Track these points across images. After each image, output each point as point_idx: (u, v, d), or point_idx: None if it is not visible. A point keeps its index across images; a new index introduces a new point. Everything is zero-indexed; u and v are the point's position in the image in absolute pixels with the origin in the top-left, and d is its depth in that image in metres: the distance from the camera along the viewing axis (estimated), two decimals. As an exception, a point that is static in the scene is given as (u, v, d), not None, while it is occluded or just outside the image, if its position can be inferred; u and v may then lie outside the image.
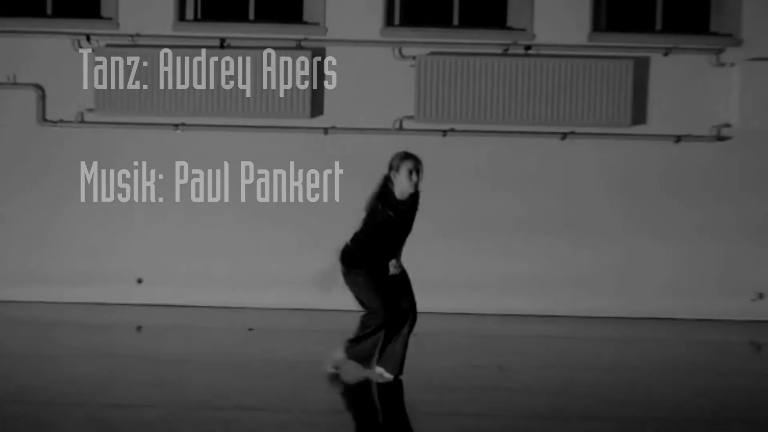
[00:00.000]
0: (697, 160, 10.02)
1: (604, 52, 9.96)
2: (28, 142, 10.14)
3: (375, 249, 6.76)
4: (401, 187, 6.74)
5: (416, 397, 6.46)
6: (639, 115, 10.00)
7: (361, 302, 6.80)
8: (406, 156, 6.78)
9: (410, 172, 6.72)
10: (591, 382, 7.05)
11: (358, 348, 6.81)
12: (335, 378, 6.81)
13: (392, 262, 6.81)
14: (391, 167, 6.78)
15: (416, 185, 6.75)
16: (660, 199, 10.06)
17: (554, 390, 6.73)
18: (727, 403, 6.55)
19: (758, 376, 7.57)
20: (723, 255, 10.02)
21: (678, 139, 10.01)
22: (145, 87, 9.90)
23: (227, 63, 9.92)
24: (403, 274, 6.88)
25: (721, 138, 10.04)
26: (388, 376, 6.76)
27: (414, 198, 6.82)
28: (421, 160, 6.81)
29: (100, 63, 9.91)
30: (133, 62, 9.91)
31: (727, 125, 10.02)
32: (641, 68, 9.98)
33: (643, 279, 10.05)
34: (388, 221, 6.68)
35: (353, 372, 6.82)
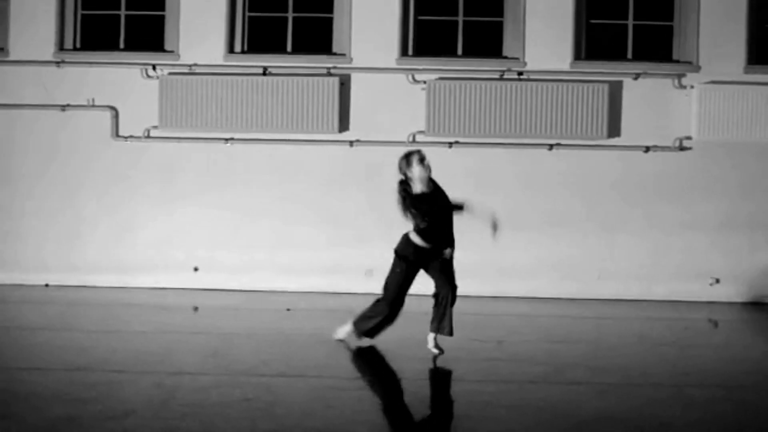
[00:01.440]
0: (663, 167, 9.94)
1: (584, 77, 9.88)
2: (104, 154, 10.13)
3: (424, 234, 6.57)
4: (420, 177, 6.56)
5: (427, 366, 6.40)
6: (614, 129, 9.91)
7: (385, 286, 6.71)
8: (409, 153, 6.67)
9: (421, 161, 6.60)
10: (574, 354, 6.97)
11: (362, 324, 6.74)
12: (354, 348, 6.74)
13: (447, 251, 6.64)
14: (401, 169, 6.65)
15: (429, 170, 6.57)
16: (632, 200, 9.97)
17: (544, 360, 6.66)
18: (687, 371, 6.47)
19: (715, 348, 7.48)
20: (685, 246, 9.91)
21: (647, 149, 9.91)
22: (201, 108, 9.89)
23: (269, 87, 9.89)
24: (449, 263, 6.69)
25: (682, 148, 9.93)
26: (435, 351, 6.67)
27: (435, 185, 6.66)
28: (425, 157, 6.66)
29: (164, 88, 9.90)
30: (191, 87, 9.89)
31: (688, 138, 9.91)
32: (615, 90, 9.89)
33: (618, 267, 9.95)
34: (419, 208, 6.49)
35: (372, 344, 6.76)
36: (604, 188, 9.99)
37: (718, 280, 9.90)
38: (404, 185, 6.62)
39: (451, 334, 6.67)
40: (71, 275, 10.02)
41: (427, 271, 6.73)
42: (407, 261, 6.61)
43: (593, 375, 6.22)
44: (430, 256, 6.66)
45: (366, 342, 6.78)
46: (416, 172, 6.57)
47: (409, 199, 6.52)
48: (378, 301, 6.74)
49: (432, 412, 5.29)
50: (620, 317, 8.96)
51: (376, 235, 9.92)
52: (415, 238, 6.60)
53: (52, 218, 10.15)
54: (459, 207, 6.86)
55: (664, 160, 9.93)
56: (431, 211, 6.55)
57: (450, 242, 6.69)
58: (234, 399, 5.35)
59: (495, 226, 6.82)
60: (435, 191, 6.67)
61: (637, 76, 9.90)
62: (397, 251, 6.68)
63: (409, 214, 6.54)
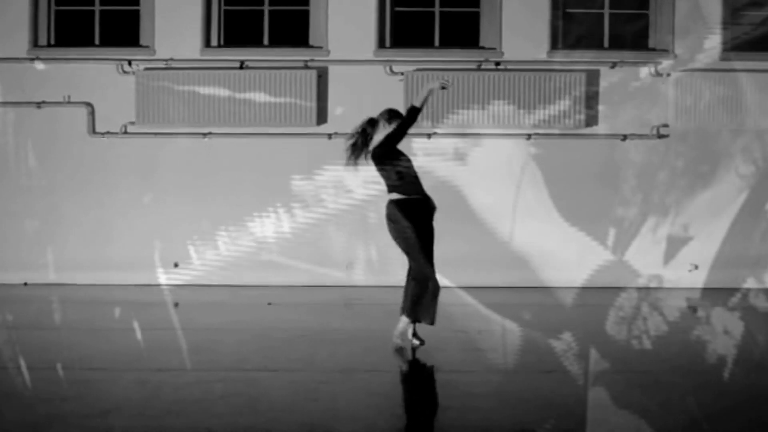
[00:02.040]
0: (641, 155, 10.01)
1: (561, 66, 9.93)
2: (81, 150, 10.10)
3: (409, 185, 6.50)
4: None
5: (409, 357, 6.43)
6: (591, 118, 9.98)
7: (415, 261, 6.45)
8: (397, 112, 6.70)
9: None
10: (554, 341, 7.02)
11: (418, 311, 6.46)
12: (343, 343, 6.77)
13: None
14: (388, 121, 6.62)
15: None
16: (611, 188, 10.04)
17: (525, 349, 6.71)
18: (667, 358, 6.53)
19: (695, 332, 7.55)
20: (666, 233, 10.00)
21: (624, 137, 9.99)
22: (178, 103, 9.87)
23: (247, 81, 9.88)
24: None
25: (660, 136, 10.01)
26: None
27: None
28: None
29: (140, 84, 9.87)
30: (167, 82, 9.87)
31: (665, 125, 9.99)
32: (592, 79, 9.95)
33: (599, 255, 10.03)
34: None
35: (353, 336, 6.79)
36: (581, 177, 10.05)
37: (696, 267, 9.99)
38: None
39: (432, 323, 6.53)
40: (50, 273, 9.99)
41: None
42: (412, 222, 6.40)
43: (576, 363, 6.27)
44: (424, 212, 6.48)
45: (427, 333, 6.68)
46: (384, 131, 6.53)
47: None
48: (414, 280, 6.47)
49: (415, 404, 5.33)
50: (606, 305, 9.03)
51: (357, 228, 9.98)
52: (398, 196, 6.47)
53: (30, 216, 10.10)
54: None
55: (641, 148, 10.00)
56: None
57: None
58: (217, 395, 5.36)
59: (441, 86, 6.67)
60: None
61: (614, 65, 9.97)
62: (392, 219, 6.48)
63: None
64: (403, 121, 6.57)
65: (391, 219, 6.51)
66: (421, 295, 6.44)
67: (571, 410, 5.03)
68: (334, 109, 10.00)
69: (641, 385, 5.64)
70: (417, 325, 6.57)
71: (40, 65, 10.00)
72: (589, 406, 5.13)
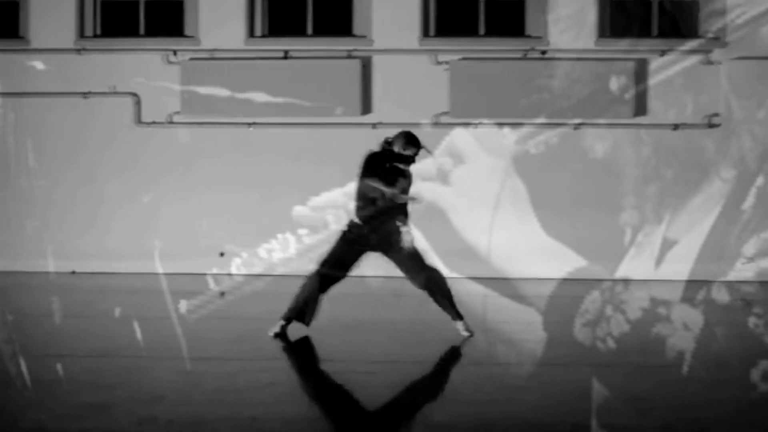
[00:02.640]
0: (692, 144, 9.87)
1: (609, 54, 9.82)
2: (127, 140, 10.22)
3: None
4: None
5: (454, 348, 6.42)
6: (640, 108, 9.86)
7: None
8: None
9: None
10: (603, 335, 6.94)
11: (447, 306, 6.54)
12: (388, 334, 6.76)
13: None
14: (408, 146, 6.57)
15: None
16: (662, 178, 9.91)
17: (571, 341, 6.66)
18: (720, 354, 6.44)
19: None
20: (718, 224, 9.84)
21: (675, 127, 9.86)
22: (222, 92, 9.93)
23: (291, 71, 9.91)
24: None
25: (712, 125, 9.86)
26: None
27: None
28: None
29: (186, 73, 9.95)
30: (212, 72, 9.94)
31: (716, 114, 9.84)
32: (641, 68, 9.83)
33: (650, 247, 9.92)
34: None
35: (402, 327, 6.79)
36: (632, 168, 9.93)
37: (752, 259, 9.83)
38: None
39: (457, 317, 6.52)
40: (97, 262, 10.12)
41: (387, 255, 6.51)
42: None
43: (621, 356, 6.21)
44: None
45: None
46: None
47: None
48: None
49: (458, 397, 5.31)
50: (654, 298, 8.92)
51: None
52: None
53: (77, 206, 10.25)
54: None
55: (693, 137, 9.86)
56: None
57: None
58: (260, 384, 5.40)
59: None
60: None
61: (663, 53, 9.83)
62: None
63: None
64: (382, 188, 6.45)
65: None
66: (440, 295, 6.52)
67: (628, 405, 4.99)
68: (378, 102, 9.97)
69: (691, 381, 5.57)
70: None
71: (86, 55, 10.12)
72: (644, 400, 5.08)
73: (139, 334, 6.80)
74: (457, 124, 9.91)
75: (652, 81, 9.85)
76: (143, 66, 10.13)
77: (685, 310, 8.13)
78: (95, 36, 10.27)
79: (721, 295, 8.92)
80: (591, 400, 5.09)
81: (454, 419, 4.68)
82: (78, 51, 10.14)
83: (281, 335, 6.62)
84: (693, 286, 9.16)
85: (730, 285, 9.42)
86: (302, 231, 10.02)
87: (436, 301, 6.52)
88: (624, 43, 9.84)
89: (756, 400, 5.11)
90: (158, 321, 7.35)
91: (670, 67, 9.84)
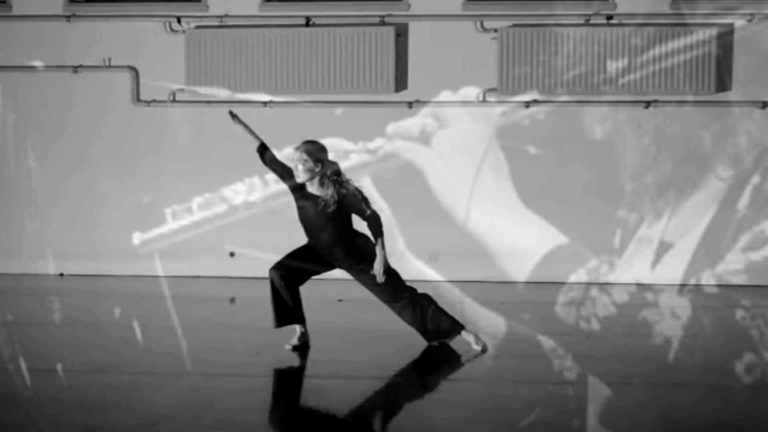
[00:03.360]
0: (785, 124, 9.77)
1: (687, 19, 9.71)
2: (123, 121, 10.26)
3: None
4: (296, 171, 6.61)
5: (502, 364, 6.39)
6: (723, 83, 9.74)
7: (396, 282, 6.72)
8: (296, 148, 6.62)
9: (296, 149, 6.59)
10: (678, 349, 6.90)
11: (436, 327, 6.72)
12: (421, 346, 6.75)
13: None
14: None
15: (304, 162, 6.52)
16: (749, 165, 9.81)
17: (642, 357, 6.61)
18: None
19: None
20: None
21: (764, 105, 9.74)
22: (234, 66, 9.94)
23: (313, 41, 9.89)
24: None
25: (806, 103, 9.74)
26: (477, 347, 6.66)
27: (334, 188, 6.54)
28: (303, 147, 6.58)
29: (191, 44, 9.96)
30: (222, 42, 9.94)
31: (812, 90, 9.72)
32: (725, 35, 9.71)
33: (730, 245, 9.82)
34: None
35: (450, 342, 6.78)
36: (713, 152, 9.83)
37: None
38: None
39: (452, 330, 6.69)
40: (89, 263, 10.18)
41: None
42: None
43: (699, 375, 6.15)
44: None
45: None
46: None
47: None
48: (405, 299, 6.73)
49: (518, 417, 5.28)
50: (733, 306, 8.85)
51: (439, 213, 9.94)
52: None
53: (65, 197, 10.31)
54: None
55: (784, 117, 9.76)
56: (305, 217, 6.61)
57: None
58: (279, 404, 5.38)
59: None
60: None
61: (751, 18, 9.71)
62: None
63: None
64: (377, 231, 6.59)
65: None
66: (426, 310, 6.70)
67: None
68: (415, 77, 9.96)
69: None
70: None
71: (77, 23, 10.17)
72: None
73: (138, 347, 6.82)
74: (506, 103, 9.86)
75: (738, 51, 9.73)
76: (142, 35, 10.16)
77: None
78: (87, 0, 10.30)
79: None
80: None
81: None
82: (67, 18, 10.19)
83: (300, 347, 6.64)
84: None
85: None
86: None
87: (428, 315, 6.66)
88: (704, 6, 9.71)
89: None
90: (162, 331, 7.36)
91: (759, 33, 9.71)
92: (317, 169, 6.52)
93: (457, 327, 6.71)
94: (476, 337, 6.67)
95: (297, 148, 6.59)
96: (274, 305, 6.70)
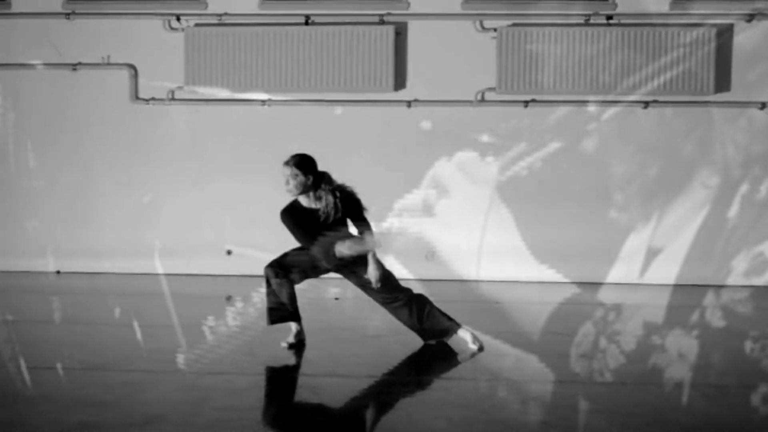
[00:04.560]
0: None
1: (686, 20, 9.70)
2: (122, 120, 10.26)
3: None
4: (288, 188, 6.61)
5: (495, 363, 6.39)
6: (722, 83, 9.74)
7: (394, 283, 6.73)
8: (285, 163, 6.59)
9: (285, 164, 6.57)
10: (672, 348, 6.90)
11: (432, 326, 6.73)
12: (417, 345, 6.75)
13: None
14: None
15: (295, 190, 6.53)
16: (747, 166, 9.81)
17: (637, 357, 6.61)
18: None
19: None
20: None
21: (763, 105, 9.73)
22: (233, 65, 9.94)
23: (313, 39, 9.89)
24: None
25: (807, 104, 9.74)
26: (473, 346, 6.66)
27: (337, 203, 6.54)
28: (293, 162, 6.55)
29: (190, 42, 9.96)
30: (221, 41, 9.94)
31: (811, 90, 9.72)
32: (724, 35, 9.70)
33: (727, 247, 9.82)
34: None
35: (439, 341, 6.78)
36: (712, 153, 9.83)
37: None
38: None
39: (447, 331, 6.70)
40: (85, 261, 10.19)
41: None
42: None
43: (696, 375, 6.14)
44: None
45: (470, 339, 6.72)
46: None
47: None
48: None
49: (513, 416, 5.28)
50: (724, 305, 8.85)
51: (438, 212, 9.94)
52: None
53: (63, 195, 10.31)
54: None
55: (783, 118, 9.76)
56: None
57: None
58: (275, 403, 5.38)
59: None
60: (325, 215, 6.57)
61: (750, 18, 9.70)
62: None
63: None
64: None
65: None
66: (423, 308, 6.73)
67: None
68: (414, 76, 9.96)
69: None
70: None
71: (76, 21, 10.17)
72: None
73: (134, 344, 6.83)
74: (505, 102, 9.86)
75: (737, 51, 9.73)
76: (141, 33, 10.17)
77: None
78: (86, -2, 10.31)
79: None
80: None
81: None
82: (67, 15, 10.19)
83: (295, 346, 6.64)
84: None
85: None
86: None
87: (426, 315, 6.66)
88: (703, 6, 9.70)
89: None
90: (158, 329, 7.37)
91: (758, 33, 9.71)
92: (309, 182, 6.53)
93: (453, 326, 6.71)
94: (473, 336, 6.67)
95: (286, 163, 6.59)
96: (268, 303, 6.71)
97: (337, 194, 6.53)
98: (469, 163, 9.96)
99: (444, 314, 6.73)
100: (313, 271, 6.75)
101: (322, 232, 6.52)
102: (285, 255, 6.74)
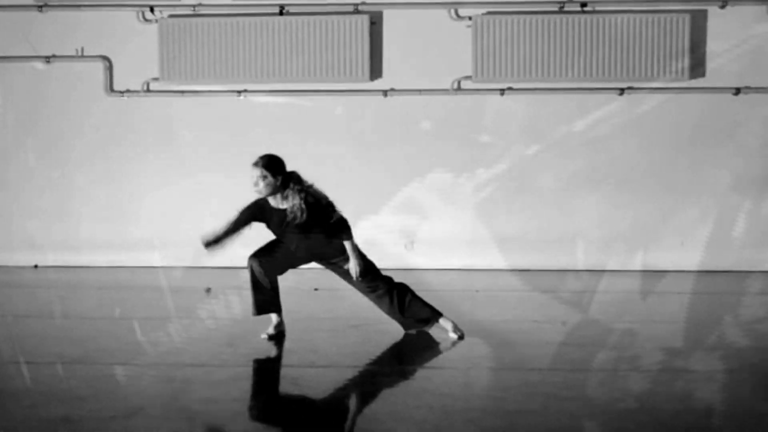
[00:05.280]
0: (758, 111, 9.80)
1: (660, 5, 9.74)
2: (96, 112, 10.22)
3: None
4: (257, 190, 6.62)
5: (480, 351, 6.41)
6: (697, 69, 9.78)
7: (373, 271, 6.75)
8: (254, 164, 6.58)
9: (254, 165, 6.57)
10: (650, 336, 6.95)
11: (413, 315, 6.75)
12: (396, 335, 6.77)
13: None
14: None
15: (264, 191, 6.53)
16: (720, 152, 9.87)
17: (617, 344, 6.64)
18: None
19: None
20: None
21: (737, 91, 9.78)
22: (208, 55, 9.91)
23: (287, 29, 9.87)
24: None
25: (780, 89, 9.80)
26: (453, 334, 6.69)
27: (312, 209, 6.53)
28: (261, 163, 6.54)
29: (164, 34, 9.92)
30: (196, 32, 9.91)
31: (784, 76, 9.78)
32: (698, 21, 9.75)
33: (702, 233, 9.89)
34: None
35: (416, 330, 6.80)
36: (686, 139, 9.89)
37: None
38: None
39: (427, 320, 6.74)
40: (63, 254, 10.16)
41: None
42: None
43: (673, 360, 6.19)
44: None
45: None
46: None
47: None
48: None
49: (493, 403, 5.31)
50: (704, 291, 8.90)
51: (418, 200, 9.95)
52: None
53: (39, 188, 10.26)
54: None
55: (759, 103, 9.79)
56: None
57: None
58: (254, 394, 5.38)
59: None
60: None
61: (724, 4, 9.75)
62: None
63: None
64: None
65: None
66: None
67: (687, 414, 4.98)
68: (390, 65, 9.96)
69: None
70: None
71: (49, 13, 10.11)
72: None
73: (112, 338, 6.82)
74: (481, 91, 9.87)
75: (711, 37, 9.77)
76: (115, 25, 10.11)
77: None
78: (59, -10, 10.24)
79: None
80: None
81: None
82: (39, 8, 10.12)
83: (275, 337, 6.66)
84: None
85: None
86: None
87: (406, 304, 6.69)
88: (677, -7, 9.75)
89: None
90: (136, 322, 7.36)
91: (732, 20, 9.75)
92: (278, 183, 6.52)
93: (434, 315, 6.73)
94: (454, 325, 6.69)
95: (255, 164, 6.58)
96: (254, 294, 6.71)
97: (303, 196, 6.52)
98: (449, 152, 9.97)
99: (425, 303, 6.75)
100: (296, 261, 6.75)
101: (291, 231, 6.53)
102: (269, 245, 6.74)
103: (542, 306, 8.11)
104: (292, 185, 6.54)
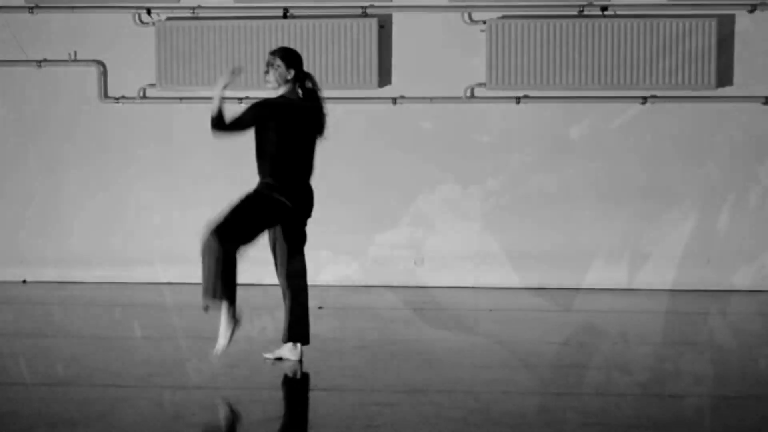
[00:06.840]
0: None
1: (686, 10, 9.72)
2: (90, 119, 10.22)
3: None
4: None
5: (493, 375, 6.37)
6: (724, 77, 9.76)
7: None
8: (270, 52, 6.51)
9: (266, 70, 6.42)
10: (676, 359, 6.90)
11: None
12: (406, 356, 6.73)
13: None
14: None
15: (273, 82, 6.39)
16: (750, 163, 9.84)
17: (638, 367, 6.60)
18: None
19: None
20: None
21: (767, 100, 9.76)
22: (208, 61, 9.91)
23: (292, 33, 9.87)
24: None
25: (813, 99, 9.77)
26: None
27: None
28: (279, 53, 6.40)
29: (161, 38, 9.93)
30: (195, 36, 9.91)
31: (816, 84, 9.76)
32: (725, 26, 9.73)
33: (730, 250, 9.85)
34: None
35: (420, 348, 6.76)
36: (712, 150, 9.86)
37: None
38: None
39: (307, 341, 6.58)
40: (53, 269, 10.14)
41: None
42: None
43: (702, 385, 6.14)
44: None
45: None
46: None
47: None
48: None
49: (510, 431, 5.27)
50: (734, 312, 8.87)
51: (428, 214, 9.93)
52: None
53: (29, 200, 10.26)
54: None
55: (787, 113, 9.79)
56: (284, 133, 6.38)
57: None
58: (256, 419, 5.36)
59: None
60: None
61: (753, 8, 9.73)
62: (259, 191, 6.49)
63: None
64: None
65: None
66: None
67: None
68: (399, 71, 9.95)
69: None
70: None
71: (40, 15, 10.12)
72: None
73: (103, 359, 6.79)
74: (496, 99, 9.85)
75: (740, 43, 9.75)
76: (110, 28, 10.12)
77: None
78: (51, -9, 10.26)
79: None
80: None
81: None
82: (30, 9, 10.14)
83: (281, 359, 6.63)
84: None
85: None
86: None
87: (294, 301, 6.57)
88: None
89: None
90: (129, 342, 7.34)
91: (763, 24, 9.73)
92: (289, 77, 6.40)
93: (234, 314, 6.42)
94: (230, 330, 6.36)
95: (272, 53, 6.42)
96: (213, 275, 6.31)
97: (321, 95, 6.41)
98: (460, 162, 9.94)
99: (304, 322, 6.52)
100: (265, 230, 6.49)
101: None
102: (232, 217, 6.38)
103: (560, 326, 8.06)
104: (307, 82, 6.38)
